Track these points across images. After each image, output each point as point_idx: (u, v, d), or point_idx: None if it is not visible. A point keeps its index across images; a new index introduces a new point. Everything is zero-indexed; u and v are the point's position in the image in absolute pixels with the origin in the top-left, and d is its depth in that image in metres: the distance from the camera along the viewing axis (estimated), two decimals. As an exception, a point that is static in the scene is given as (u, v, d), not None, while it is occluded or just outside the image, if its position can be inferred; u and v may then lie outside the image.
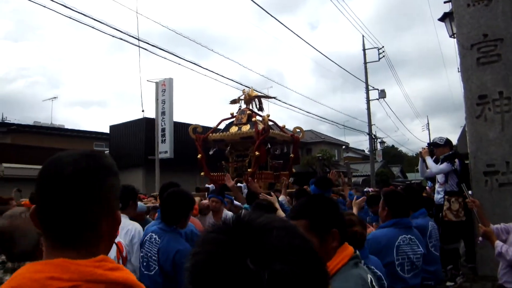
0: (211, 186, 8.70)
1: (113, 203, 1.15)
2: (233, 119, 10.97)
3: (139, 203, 4.51)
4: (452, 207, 6.19)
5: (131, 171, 21.89)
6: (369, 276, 1.91)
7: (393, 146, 65.23)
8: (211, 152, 10.76)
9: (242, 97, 11.21)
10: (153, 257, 3.25)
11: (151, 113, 18.00)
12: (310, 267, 0.70)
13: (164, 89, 16.64)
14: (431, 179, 7.37)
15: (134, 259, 3.57)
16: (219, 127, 11.38)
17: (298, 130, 11.66)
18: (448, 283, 6.08)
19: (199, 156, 10.55)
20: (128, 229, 3.70)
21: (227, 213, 5.46)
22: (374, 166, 29.47)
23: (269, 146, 10.41)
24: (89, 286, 0.98)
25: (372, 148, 29.78)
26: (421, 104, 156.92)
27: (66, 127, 29.20)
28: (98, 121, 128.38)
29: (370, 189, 10.99)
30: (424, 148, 7.02)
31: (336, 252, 1.89)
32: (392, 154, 65.11)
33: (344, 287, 1.76)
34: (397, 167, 50.66)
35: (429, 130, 49.24)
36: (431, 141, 7.13)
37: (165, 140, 16.66)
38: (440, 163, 6.41)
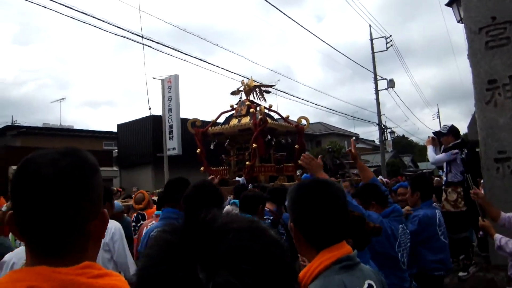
0: None
1: (98, 203, 1.06)
2: (233, 111, 10.78)
3: (116, 202, 4.70)
4: (449, 198, 6.11)
5: (140, 169, 21.98)
6: (367, 283, 1.56)
7: (403, 136, 64.71)
8: (212, 147, 10.59)
9: (241, 88, 10.99)
10: None
11: (158, 111, 18.02)
12: (269, 279, 0.58)
13: (170, 86, 16.61)
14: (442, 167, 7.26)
15: (117, 256, 3.54)
16: (218, 120, 11.22)
17: (303, 120, 11.24)
18: (461, 273, 5.95)
19: (198, 150, 10.41)
20: (108, 227, 3.67)
21: None
22: (384, 156, 29.24)
23: (269, 138, 10.20)
24: None
25: (382, 139, 29.53)
26: (431, 92, 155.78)
27: (75, 127, 29.32)
28: (107, 120, 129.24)
29: (384, 179, 10.73)
30: (428, 137, 6.91)
31: (318, 253, 1.55)
32: (403, 144, 64.64)
33: None
34: (408, 157, 50.29)
35: (439, 118, 48.66)
36: (437, 130, 7.00)
37: (172, 137, 16.64)
38: (445, 152, 6.30)
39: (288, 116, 11.46)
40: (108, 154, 23.25)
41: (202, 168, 10.52)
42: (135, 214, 5.95)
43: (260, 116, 9.62)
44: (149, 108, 23.70)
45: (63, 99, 35.56)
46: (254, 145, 9.38)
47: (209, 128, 10.73)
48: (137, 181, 20.32)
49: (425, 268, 4.00)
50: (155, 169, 20.77)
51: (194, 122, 10.97)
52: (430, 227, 4.06)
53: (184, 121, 17.37)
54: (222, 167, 10.71)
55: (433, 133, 6.88)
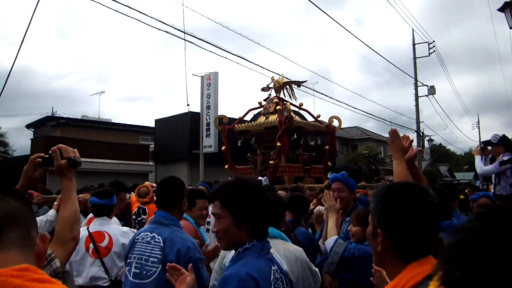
0: None
1: None
2: (261, 108, 10.48)
3: None
4: None
5: (176, 164, 22.14)
6: None
7: (440, 144, 63.41)
8: (239, 144, 10.33)
9: (271, 85, 10.62)
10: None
11: (196, 107, 18.11)
12: None
13: (209, 83, 16.66)
14: (485, 178, 7.03)
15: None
16: (247, 117, 10.94)
17: (334, 119, 10.58)
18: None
19: (223, 148, 10.22)
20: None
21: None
22: (421, 164, 28.66)
23: (296, 137, 9.84)
24: None
25: (420, 146, 28.96)
26: (470, 101, 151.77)
27: (113, 121, 29.85)
28: (144, 115, 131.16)
29: None
30: (477, 147, 6.69)
31: (407, 266, 1.38)
32: (440, 153, 63.33)
33: None
34: (445, 166, 49.25)
35: (479, 128, 47.41)
36: (487, 139, 6.76)
37: (209, 134, 16.69)
38: (494, 163, 6.08)
39: (319, 116, 10.95)
40: (145, 149, 23.56)
41: (226, 166, 10.33)
42: (136, 208, 5.58)
43: (286, 114, 9.32)
44: (188, 105, 23.84)
45: (102, 92, 36.36)
46: (278, 143, 9.13)
47: (236, 125, 10.51)
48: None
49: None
50: (190, 166, 20.85)
51: (221, 118, 10.79)
52: None
53: (221, 118, 17.45)
54: (247, 166, 10.53)
55: (483, 142, 6.67)
